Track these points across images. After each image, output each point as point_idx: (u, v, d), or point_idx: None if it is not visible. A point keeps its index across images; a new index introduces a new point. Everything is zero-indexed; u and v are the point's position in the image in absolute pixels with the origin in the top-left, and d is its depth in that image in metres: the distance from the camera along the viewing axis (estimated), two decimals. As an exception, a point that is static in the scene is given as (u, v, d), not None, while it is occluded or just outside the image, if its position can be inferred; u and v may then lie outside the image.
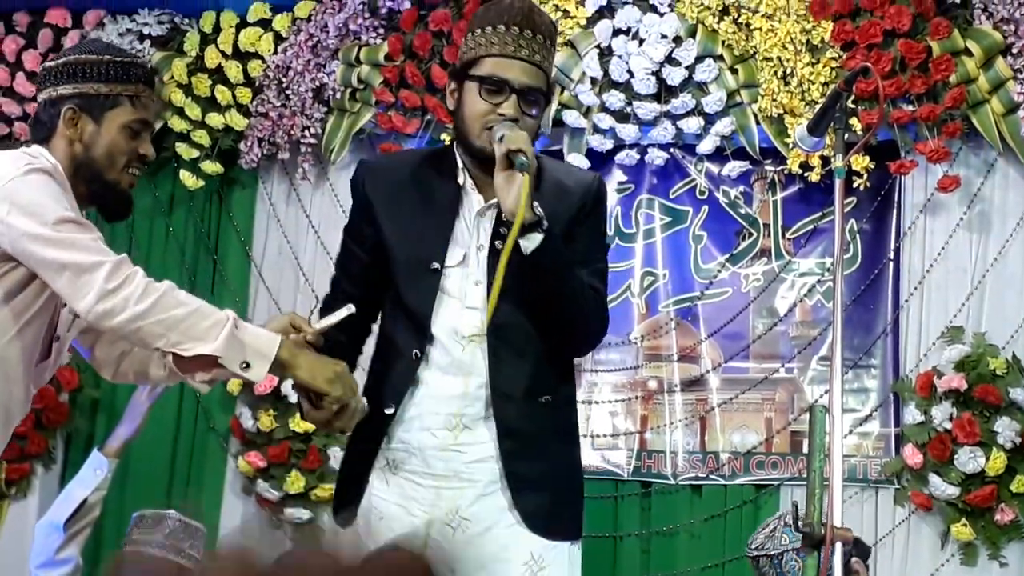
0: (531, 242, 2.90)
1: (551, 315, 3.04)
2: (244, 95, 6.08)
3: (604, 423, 5.72)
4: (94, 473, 4.59)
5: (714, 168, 5.81)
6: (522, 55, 3.03)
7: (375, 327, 3.26)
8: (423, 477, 3.08)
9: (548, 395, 3.08)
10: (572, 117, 5.67)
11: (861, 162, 5.38)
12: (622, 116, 5.67)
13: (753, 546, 4.08)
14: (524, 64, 3.03)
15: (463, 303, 3.07)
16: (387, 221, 3.14)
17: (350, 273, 3.25)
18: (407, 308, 3.11)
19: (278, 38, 6.06)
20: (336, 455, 5.82)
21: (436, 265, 3.06)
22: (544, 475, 3.06)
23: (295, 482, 5.82)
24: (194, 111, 6.11)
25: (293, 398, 5.82)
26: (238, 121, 6.08)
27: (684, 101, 5.59)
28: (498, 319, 3.00)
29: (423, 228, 3.10)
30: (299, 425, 5.81)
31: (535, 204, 2.92)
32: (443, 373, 3.07)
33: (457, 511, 3.05)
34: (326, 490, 5.84)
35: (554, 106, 3.11)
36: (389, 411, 3.09)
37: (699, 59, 5.57)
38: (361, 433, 3.13)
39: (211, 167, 6.14)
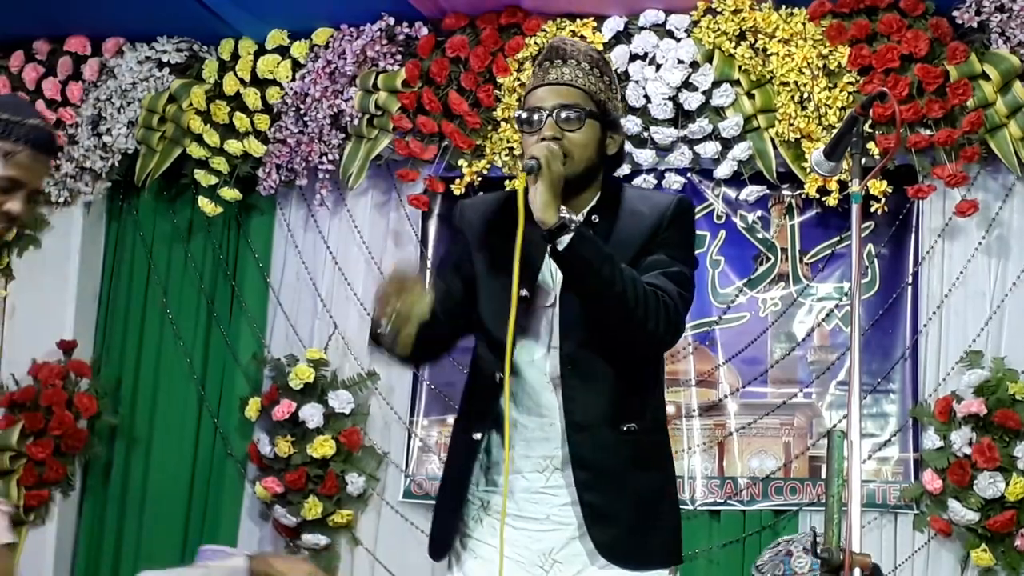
0: (561, 244, 2.91)
1: (601, 318, 3.02)
2: (262, 122, 6.11)
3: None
4: None
5: (731, 193, 5.81)
6: (550, 80, 3.11)
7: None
8: (515, 519, 3.09)
9: (632, 422, 3.07)
10: (589, 142, 5.67)
11: (879, 186, 5.38)
12: (639, 141, 5.68)
13: (760, 565, 4.07)
14: (553, 87, 3.10)
15: (549, 342, 3.11)
16: (477, 253, 3.23)
17: (446, 278, 3.28)
18: (490, 335, 3.14)
19: (296, 65, 6.09)
20: (354, 481, 5.83)
21: (525, 292, 3.08)
22: (619, 506, 3.04)
23: (312, 508, 5.82)
24: (212, 138, 6.14)
25: (311, 424, 5.84)
26: (256, 148, 6.10)
27: (701, 126, 5.59)
28: (569, 350, 3.06)
29: (509, 260, 3.02)
30: (316, 451, 5.82)
31: (562, 207, 2.92)
32: (529, 414, 3.11)
33: (550, 554, 3.08)
34: (343, 516, 5.84)
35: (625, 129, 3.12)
36: (477, 436, 3.14)
37: (716, 84, 5.58)
38: (453, 463, 3.24)
39: (229, 193, 6.16)
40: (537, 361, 3.10)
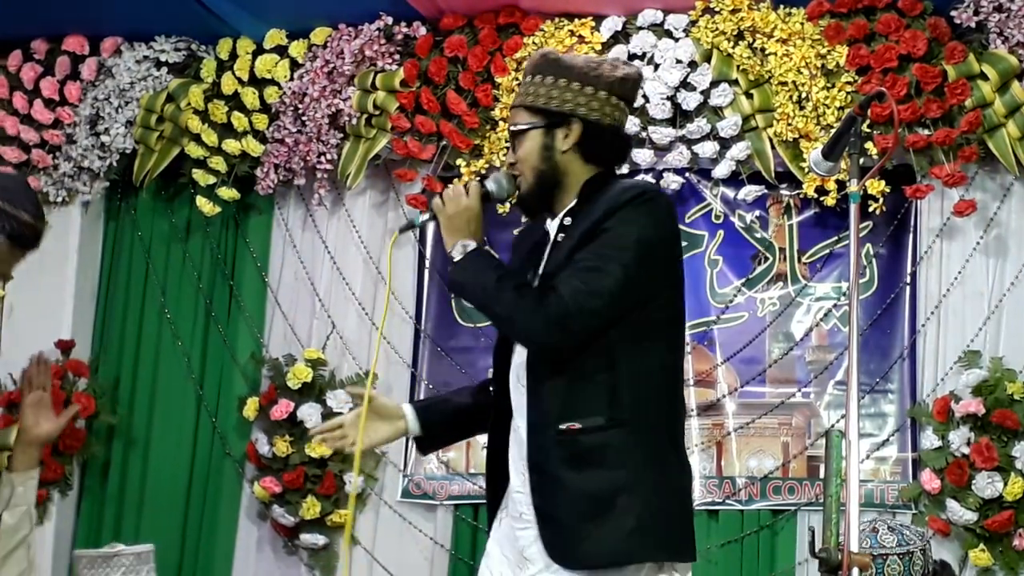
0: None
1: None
2: (260, 121, 6.10)
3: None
4: None
5: (729, 192, 5.81)
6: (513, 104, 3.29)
7: None
8: (507, 517, 3.20)
9: (575, 421, 3.01)
10: (587, 142, 5.67)
11: (877, 186, 5.38)
12: (637, 141, 5.68)
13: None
14: (512, 111, 3.27)
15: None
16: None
17: None
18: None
19: (294, 64, 6.09)
20: (351, 480, 5.82)
21: None
22: (557, 507, 3.02)
23: (311, 508, 5.82)
24: (210, 137, 6.14)
25: (309, 423, 5.84)
26: (254, 147, 6.10)
27: (699, 126, 5.60)
28: (525, 356, 3.10)
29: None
30: (315, 451, 5.82)
31: (459, 242, 3.13)
32: (516, 416, 3.16)
33: (522, 551, 3.11)
34: (341, 515, 5.84)
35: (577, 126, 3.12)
36: (485, 442, 3.30)
37: (714, 84, 5.59)
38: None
39: (227, 193, 6.16)
40: (516, 365, 3.16)
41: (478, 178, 3.15)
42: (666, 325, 3.08)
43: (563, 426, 3.01)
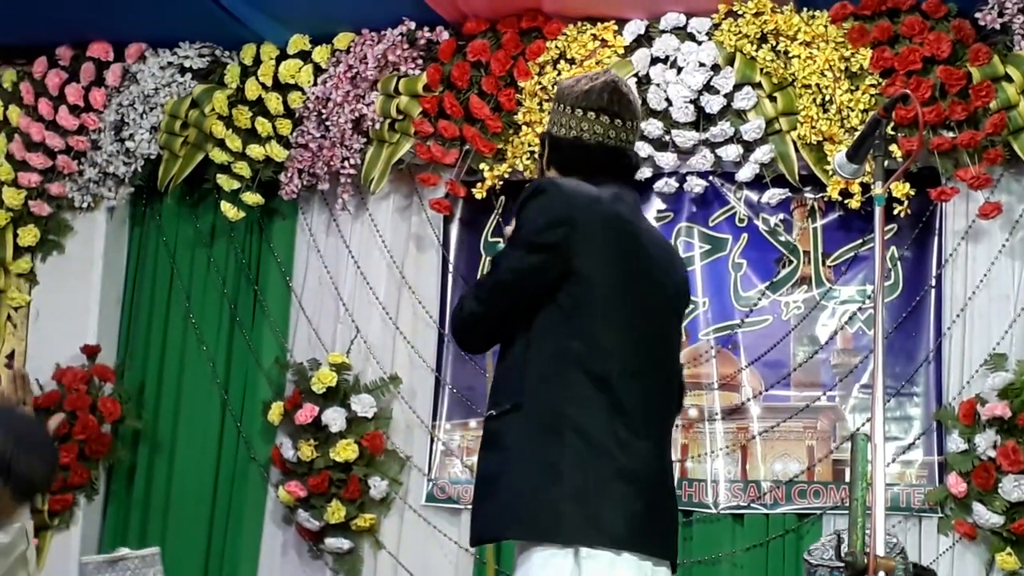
0: None
1: None
2: (284, 126, 6.12)
3: (644, 452, 5.68)
4: None
5: (753, 196, 5.80)
6: None
7: None
8: None
9: (493, 408, 3.17)
10: (610, 146, 5.67)
11: (901, 189, 5.36)
12: (660, 144, 5.67)
13: (812, 550, 4.07)
14: None
15: None
16: None
17: None
18: None
19: (318, 70, 6.10)
20: (376, 484, 5.83)
21: None
22: (473, 487, 3.24)
23: (335, 512, 5.82)
24: (235, 143, 6.16)
25: (334, 428, 5.85)
26: (278, 152, 6.12)
27: (723, 129, 5.59)
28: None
29: None
30: (339, 455, 5.83)
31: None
32: None
33: None
34: (366, 520, 5.84)
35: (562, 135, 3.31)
36: None
37: (737, 87, 5.57)
38: None
39: (252, 198, 6.18)
40: None
41: None
42: (571, 311, 3.10)
43: (487, 412, 3.20)
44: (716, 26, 5.62)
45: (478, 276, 5.90)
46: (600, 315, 3.09)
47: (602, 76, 3.33)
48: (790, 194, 5.73)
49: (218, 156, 6.21)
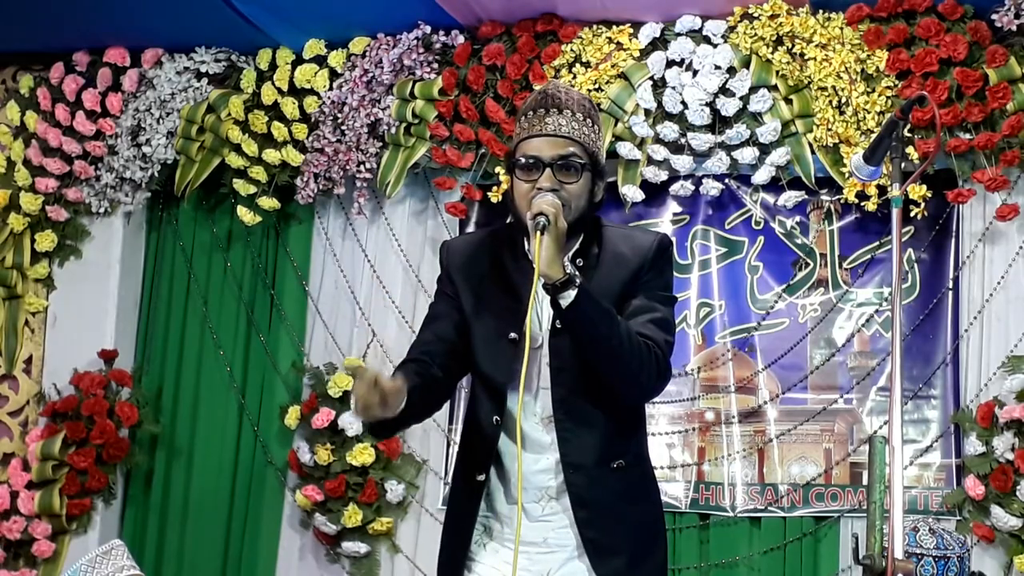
0: (565, 299, 3.04)
1: (601, 372, 3.16)
2: (300, 131, 6.13)
3: (661, 455, 5.69)
4: None
5: (769, 198, 5.79)
6: (548, 131, 3.22)
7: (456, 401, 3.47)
8: (505, 543, 3.29)
9: (620, 459, 3.23)
10: (626, 149, 5.68)
11: (918, 191, 5.35)
12: (676, 147, 5.67)
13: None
14: (551, 138, 3.22)
15: (538, 383, 3.25)
16: (467, 295, 3.34)
17: (436, 335, 3.37)
18: (486, 377, 3.30)
19: (333, 74, 6.11)
20: (393, 488, 5.83)
21: (513, 335, 3.22)
22: (619, 538, 3.22)
23: (352, 516, 5.83)
24: (251, 147, 6.17)
25: (351, 432, 5.85)
26: (294, 157, 6.13)
27: (739, 131, 5.58)
28: (560, 395, 3.20)
29: (500, 302, 3.29)
30: (356, 458, 5.83)
31: (565, 261, 3.09)
32: (525, 451, 3.21)
33: (547, 573, 3.24)
34: (383, 523, 5.85)
35: (608, 178, 3.30)
36: (480, 478, 3.28)
37: (753, 89, 5.56)
38: (457, 501, 3.37)
39: (268, 203, 6.19)
40: (527, 402, 3.23)
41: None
42: None
43: (615, 463, 3.21)
44: (732, 29, 5.61)
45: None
46: None
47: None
48: (806, 196, 5.72)
49: (234, 161, 6.22)
